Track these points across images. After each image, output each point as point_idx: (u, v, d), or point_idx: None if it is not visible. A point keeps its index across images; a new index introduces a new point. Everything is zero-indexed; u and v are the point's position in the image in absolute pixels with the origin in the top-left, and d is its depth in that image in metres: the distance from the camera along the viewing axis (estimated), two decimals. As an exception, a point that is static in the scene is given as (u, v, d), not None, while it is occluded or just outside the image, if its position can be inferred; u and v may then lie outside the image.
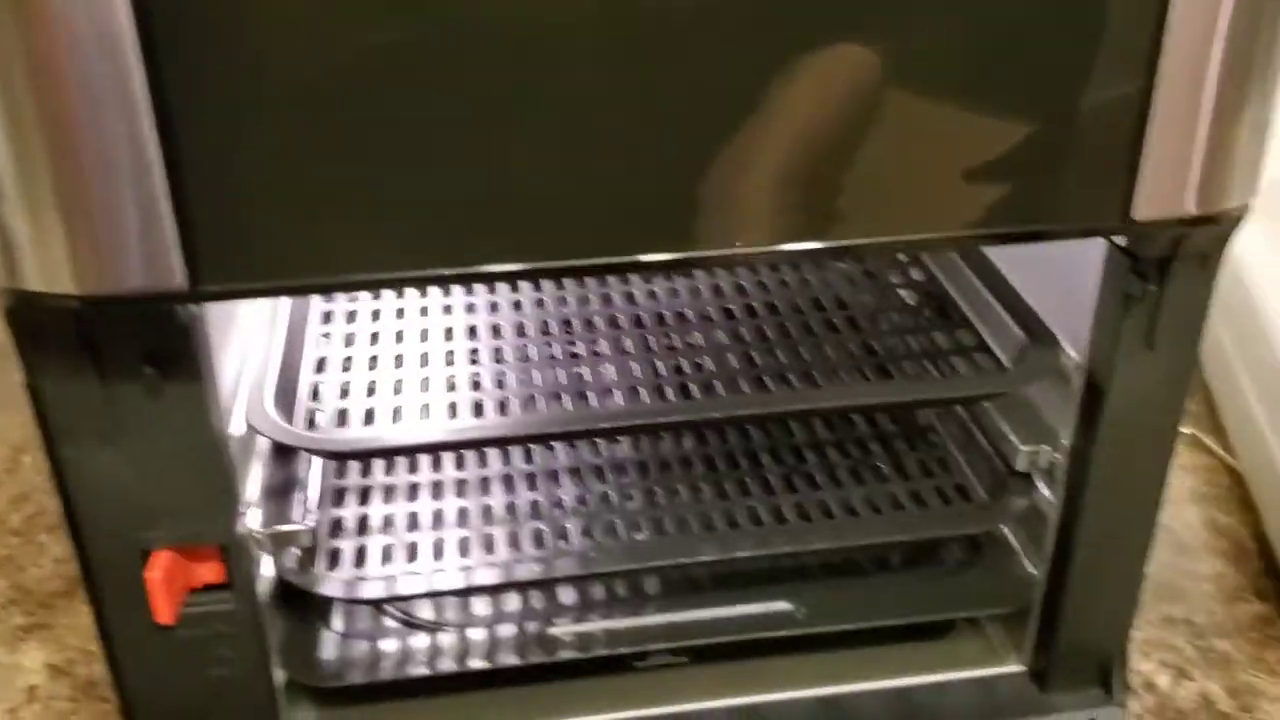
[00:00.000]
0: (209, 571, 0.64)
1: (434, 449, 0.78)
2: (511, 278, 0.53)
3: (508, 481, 0.80)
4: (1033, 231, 0.56)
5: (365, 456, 0.78)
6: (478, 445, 0.77)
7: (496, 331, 0.81)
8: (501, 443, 0.78)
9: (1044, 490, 0.74)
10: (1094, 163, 0.54)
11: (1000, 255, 0.79)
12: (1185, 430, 1.13)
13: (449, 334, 0.81)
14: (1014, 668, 0.78)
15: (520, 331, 0.81)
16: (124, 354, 0.56)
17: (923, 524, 0.76)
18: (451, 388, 0.75)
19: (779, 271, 0.87)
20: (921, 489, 0.79)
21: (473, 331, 0.81)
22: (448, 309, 0.84)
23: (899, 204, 0.54)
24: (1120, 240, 0.63)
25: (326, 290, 0.53)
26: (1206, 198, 0.56)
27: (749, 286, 0.86)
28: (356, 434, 0.70)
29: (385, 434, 0.71)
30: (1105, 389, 0.66)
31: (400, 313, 0.83)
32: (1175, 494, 1.06)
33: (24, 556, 1.00)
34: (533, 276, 0.55)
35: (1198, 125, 0.54)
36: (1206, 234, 0.59)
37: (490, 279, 0.53)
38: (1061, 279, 0.70)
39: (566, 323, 0.82)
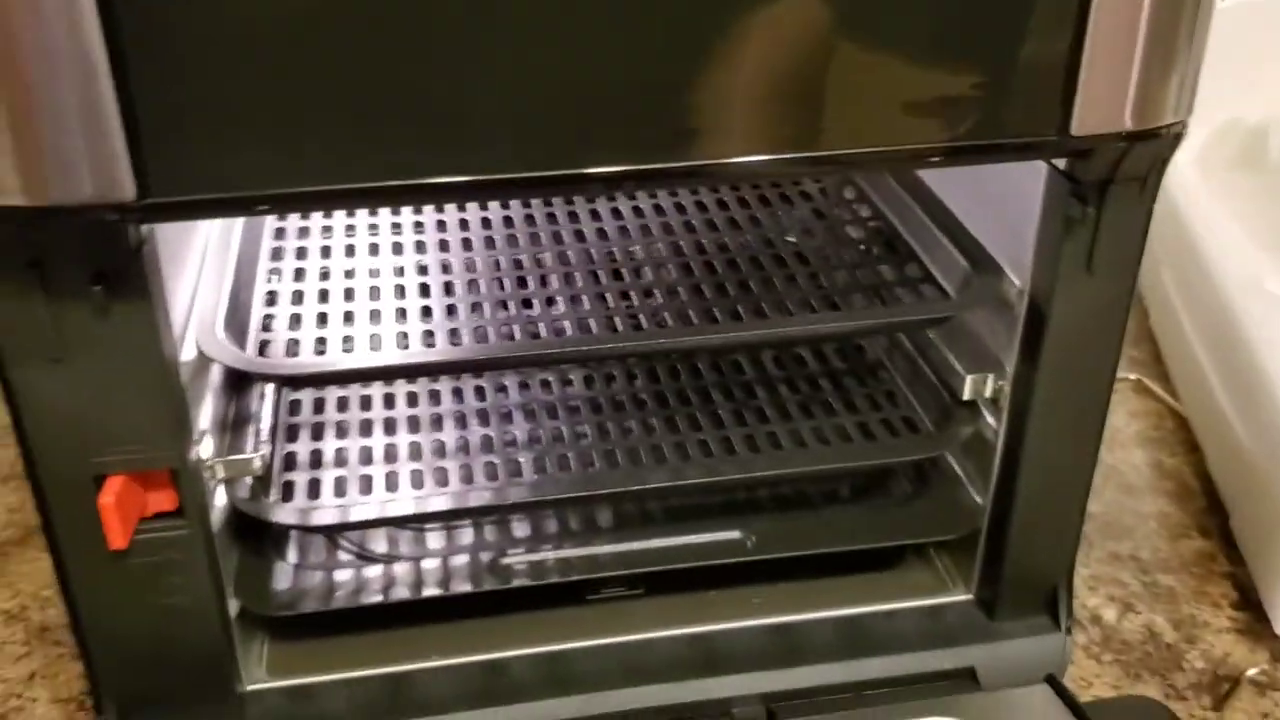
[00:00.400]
0: (162, 499, 0.64)
1: (383, 375, 0.78)
2: (457, 193, 0.54)
3: (460, 418, 0.81)
4: (973, 146, 0.57)
5: (315, 382, 0.78)
6: (426, 372, 0.78)
7: (446, 267, 0.81)
8: (450, 369, 0.79)
9: (989, 419, 0.75)
10: (1032, 76, 0.55)
11: (946, 190, 0.80)
12: (1132, 376, 1.15)
13: (400, 270, 0.81)
14: (961, 596, 0.80)
15: (470, 266, 0.81)
16: (72, 273, 0.56)
17: (869, 452, 0.77)
18: (402, 318, 0.75)
19: (728, 210, 0.88)
20: (869, 421, 0.80)
21: (423, 267, 0.81)
22: (397, 246, 0.84)
23: (841, 119, 0.55)
24: (1060, 164, 0.64)
25: (275, 204, 0.53)
26: (1144, 113, 0.57)
27: (699, 224, 0.86)
28: (306, 360, 0.71)
29: (334, 360, 0.71)
30: (1046, 313, 0.67)
31: (350, 249, 0.83)
32: (1122, 438, 1.08)
33: (-24, 506, 0.99)
34: (479, 192, 0.55)
35: (1136, 39, 0.55)
36: (1144, 152, 0.60)
37: (436, 194, 0.53)
38: (1005, 210, 0.72)
39: (517, 260, 0.82)
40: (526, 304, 0.77)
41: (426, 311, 0.76)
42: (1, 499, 1.00)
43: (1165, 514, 1.00)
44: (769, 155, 0.54)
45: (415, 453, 0.77)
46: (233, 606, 0.70)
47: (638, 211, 0.88)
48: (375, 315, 0.76)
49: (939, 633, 0.77)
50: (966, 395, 0.74)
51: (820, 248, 0.83)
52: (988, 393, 0.73)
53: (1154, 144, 0.59)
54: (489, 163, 0.53)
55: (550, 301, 0.78)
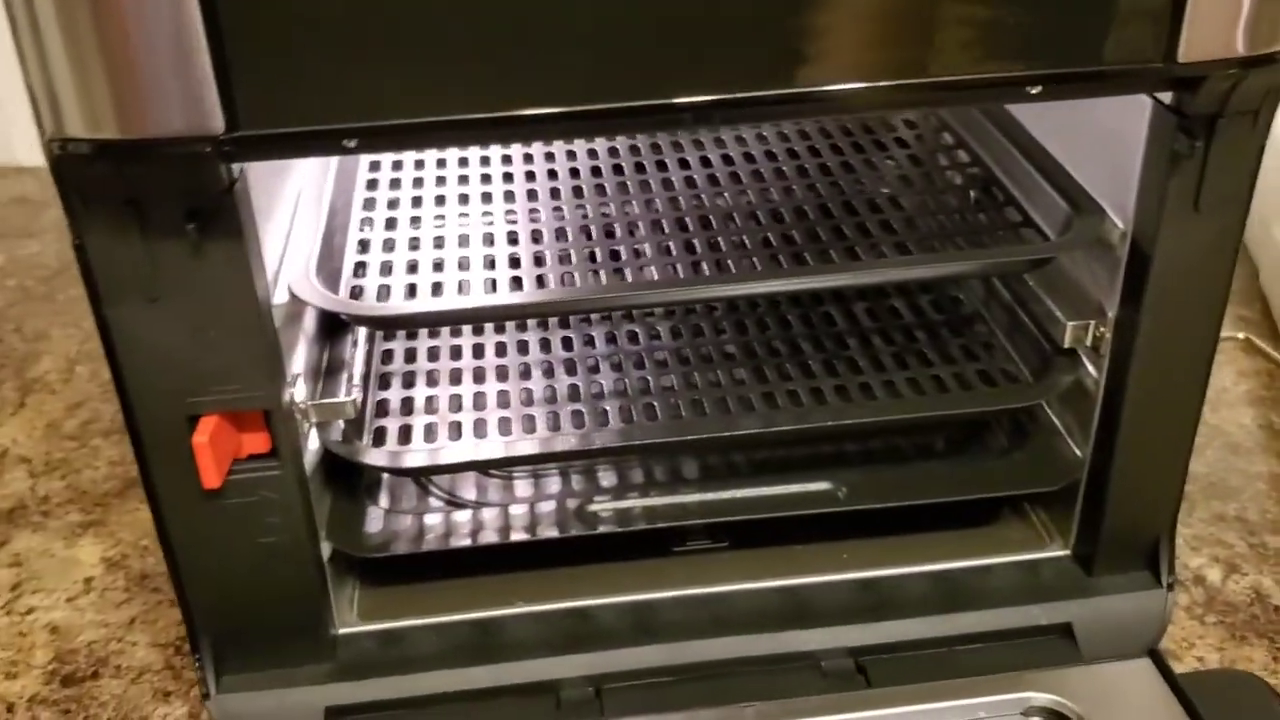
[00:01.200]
0: (255, 441, 0.65)
1: (471, 319, 0.78)
2: (545, 126, 0.53)
3: (548, 368, 0.80)
4: (1074, 75, 0.55)
5: (404, 325, 0.79)
6: (514, 316, 0.78)
7: (535, 216, 0.81)
8: (537, 313, 0.79)
9: (1090, 367, 0.73)
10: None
11: (1045, 132, 0.78)
12: (1240, 335, 1.11)
13: (489, 218, 0.81)
14: (1058, 552, 0.78)
15: (559, 215, 0.81)
16: (167, 211, 0.56)
17: (966, 401, 0.75)
18: (491, 266, 0.75)
19: (820, 157, 0.86)
20: (965, 372, 0.78)
21: (512, 217, 0.81)
22: (487, 196, 0.84)
23: (939, 46, 0.53)
24: (1165, 97, 0.61)
25: (364, 139, 0.53)
26: (1257, 36, 0.54)
27: (790, 172, 0.85)
28: (396, 304, 0.71)
29: (424, 305, 0.71)
30: (1150, 254, 0.65)
31: (440, 199, 0.83)
32: (1230, 397, 1.05)
33: (79, 459, 1.02)
34: (567, 124, 0.54)
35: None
36: (1258, 82, 0.58)
37: (524, 126, 0.53)
38: (1107, 150, 0.69)
39: (605, 210, 0.82)
40: (614, 254, 0.77)
41: (515, 260, 0.76)
42: (103, 452, 1.02)
43: (1275, 475, 0.96)
44: (864, 83, 0.53)
45: (504, 401, 0.77)
46: (325, 550, 0.70)
47: (727, 160, 0.86)
48: (464, 263, 0.76)
49: (1035, 588, 0.76)
50: (1067, 343, 0.72)
51: (916, 194, 0.81)
52: (1089, 340, 0.71)
53: (1269, 72, 0.57)
54: (578, 93, 0.52)
55: (638, 252, 0.77)
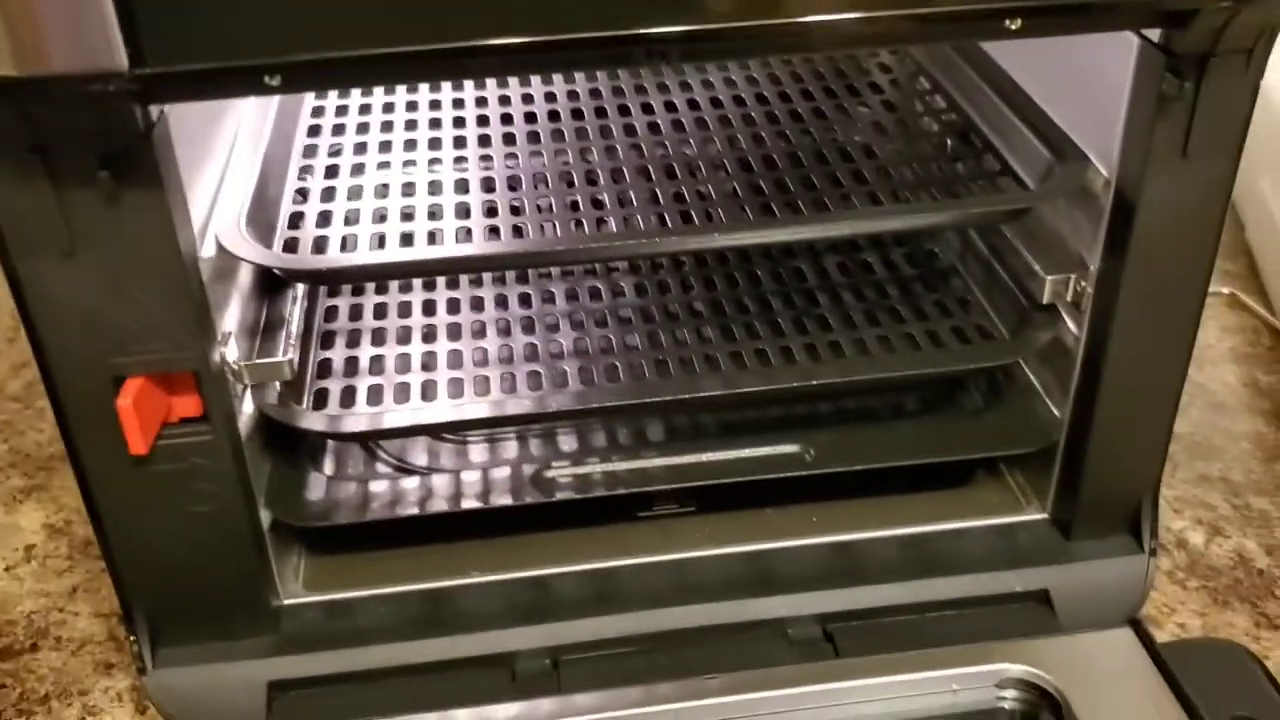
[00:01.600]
0: (186, 404, 0.61)
1: (408, 272, 0.75)
2: (490, 60, 0.49)
3: (504, 327, 0.77)
4: (1060, 7, 0.51)
5: (337, 280, 0.75)
6: (458, 270, 0.75)
7: (488, 164, 0.77)
8: (484, 266, 0.75)
9: (1070, 324, 0.69)
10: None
11: (1026, 76, 0.74)
12: (1225, 290, 1.08)
13: (436, 165, 0.77)
14: (1036, 515, 0.75)
15: (513, 164, 0.77)
16: (78, 158, 0.52)
17: (939, 359, 0.72)
18: (437, 217, 0.71)
19: (791, 103, 0.82)
20: (939, 329, 0.75)
21: (461, 161, 0.77)
22: (435, 142, 0.79)
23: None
24: (1153, 35, 0.58)
25: (287, 76, 0.49)
26: (1252, -33, 0.51)
27: (759, 119, 0.81)
28: (330, 257, 0.67)
29: (359, 257, 0.67)
30: (1135, 203, 0.61)
31: (386, 145, 0.79)
32: (1215, 354, 1.02)
33: (23, 422, 0.98)
34: (517, 58, 0.50)
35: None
36: (1251, 18, 0.54)
37: (466, 60, 0.49)
38: (1091, 93, 0.65)
39: (563, 158, 0.77)
40: (573, 204, 0.72)
41: (465, 210, 0.72)
42: (48, 415, 0.98)
43: (1260, 434, 0.93)
44: (835, 15, 0.48)
45: (455, 361, 0.74)
46: (265, 518, 0.67)
47: (693, 105, 0.82)
48: (409, 213, 0.72)
49: (1011, 553, 0.73)
50: (1046, 298, 0.68)
51: (890, 143, 0.78)
52: (1069, 295, 0.68)
53: (1264, 7, 0.53)
54: (525, 23, 0.48)
55: (598, 201, 0.73)
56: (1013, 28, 0.53)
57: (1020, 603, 0.71)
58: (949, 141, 0.77)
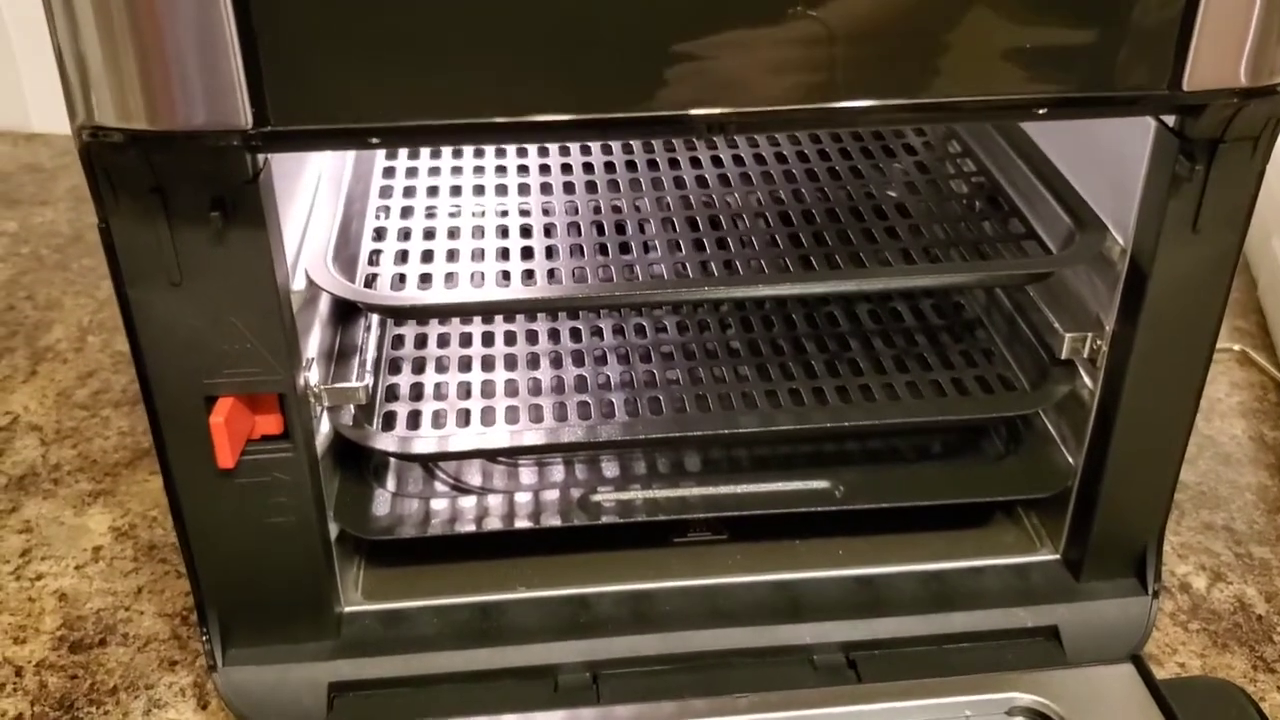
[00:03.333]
0: (269, 422, 0.66)
1: (482, 310, 0.80)
2: (564, 131, 0.55)
3: (556, 359, 0.82)
4: (1082, 99, 0.56)
5: (417, 315, 0.80)
6: (524, 309, 0.80)
7: (548, 210, 0.83)
8: (547, 307, 0.80)
9: (1086, 379, 0.74)
10: (1145, 28, 0.54)
11: (1051, 145, 0.79)
12: (1236, 347, 1.13)
13: (503, 211, 0.83)
14: (1048, 556, 0.80)
15: (572, 210, 0.82)
16: (192, 199, 0.58)
17: (964, 407, 0.77)
18: (504, 258, 0.77)
19: (829, 160, 0.88)
20: (965, 378, 0.80)
21: (526, 210, 0.83)
22: (501, 188, 0.85)
23: (949, 66, 0.55)
24: (1169, 120, 0.63)
25: (386, 137, 0.55)
26: (1259, 68, 0.56)
27: (799, 175, 0.86)
28: (410, 294, 0.73)
29: (437, 295, 0.73)
30: (1148, 272, 0.66)
31: (456, 189, 0.85)
32: (1223, 408, 1.06)
33: (90, 429, 1.04)
34: (586, 130, 0.56)
35: (1254, -9, 0.54)
36: (1258, 111, 0.59)
37: (541, 131, 0.54)
38: (1111, 167, 0.71)
39: (616, 206, 0.83)
40: (625, 249, 0.78)
41: (527, 252, 0.78)
42: (114, 422, 1.04)
43: (1264, 487, 0.98)
44: (874, 101, 0.54)
45: (511, 390, 0.79)
46: (333, 530, 0.72)
47: (738, 160, 0.88)
48: (478, 254, 0.78)
49: (1024, 591, 0.77)
50: (1064, 354, 0.73)
51: (922, 202, 0.83)
52: (1085, 352, 0.73)
53: (1269, 102, 0.58)
54: (593, 102, 0.54)
55: (648, 247, 0.79)
56: (1040, 113, 0.58)
57: (1031, 637, 0.76)
58: (978, 203, 0.83)
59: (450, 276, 0.75)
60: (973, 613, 0.76)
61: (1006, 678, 0.70)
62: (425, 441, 0.73)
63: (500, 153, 0.89)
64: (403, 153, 0.88)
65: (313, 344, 0.69)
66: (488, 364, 0.81)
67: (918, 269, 0.75)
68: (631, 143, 0.90)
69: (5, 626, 0.85)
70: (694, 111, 0.54)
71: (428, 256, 0.77)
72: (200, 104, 0.52)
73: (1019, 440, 0.82)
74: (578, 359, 0.82)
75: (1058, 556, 0.79)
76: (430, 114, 0.53)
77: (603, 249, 0.78)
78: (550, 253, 0.78)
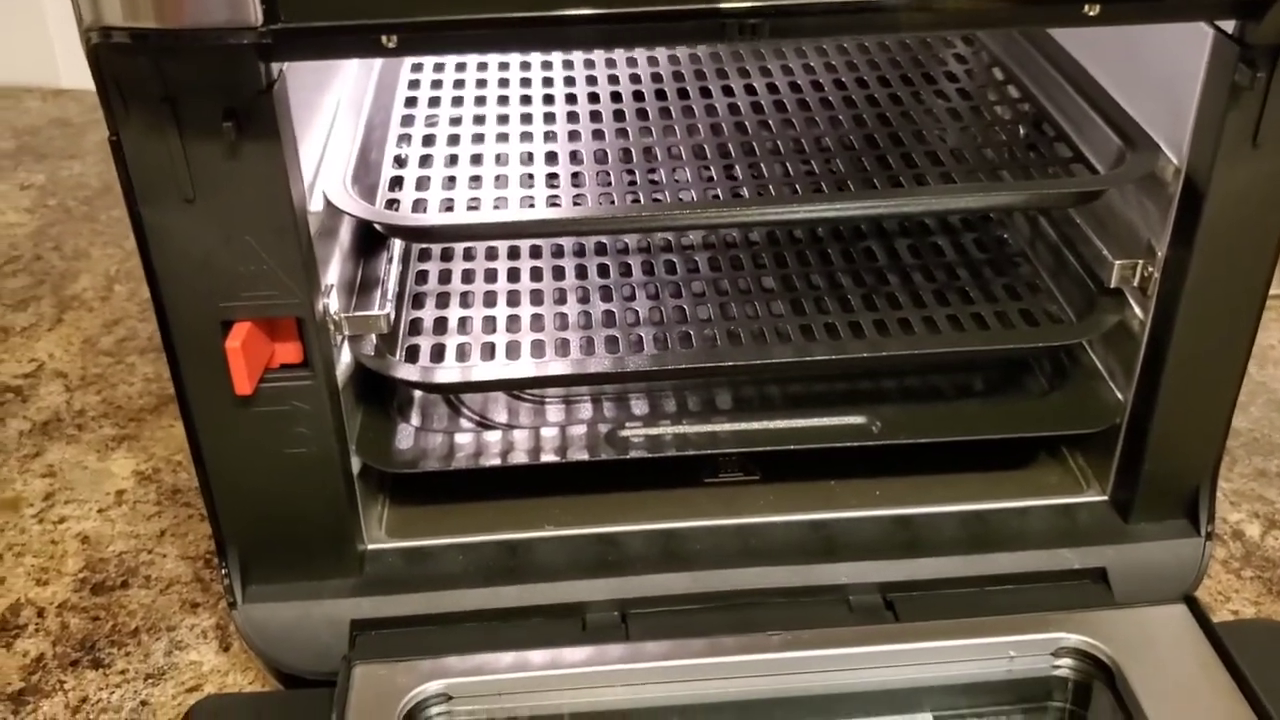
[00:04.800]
0: (288, 351, 0.65)
1: (504, 233, 0.77)
2: (592, 30, 0.52)
3: (583, 294, 0.80)
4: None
5: (438, 238, 0.78)
6: (547, 233, 0.78)
7: (575, 136, 0.80)
8: (573, 230, 0.78)
9: (1136, 309, 0.71)
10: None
11: (1099, 66, 0.76)
12: (1289, 293, 1.09)
13: (527, 136, 0.80)
14: (1095, 496, 0.77)
15: (599, 136, 0.80)
16: (204, 109, 0.56)
17: (1008, 337, 0.74)
18: (529, 183, 0.75)
19: (868, 89, 0.85)
20: (1008, 311, 0.77)
21: (550, 133, 0.80)
22: (527, 117, 0.83)
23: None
24: (1227, 26, 0.59)
25: (405, 36, 0.52)
26: (1328, -41, 0.52)
27: (837, 102, 0.83)
28: (430, 216, 0.70)
29: (457, 217, 0.71)
30: (1204, 192, 0.63)
31: (480, 119, 0.82)
32: (1277, 354, 1.03)
33: (114, 375, 1.02)
34: (614, 29, 0.53)
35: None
36: (1324, 10, 0.56)
37: (570, 28, 0.52)
38: (1164, 83, 0.67)
39: (645, 130, 0.80)
40: (653, 178, 0.75)
41: (553, 178, 0.75)
42: (139, 369, 1.03)
43: (1320, 434, 0.94)
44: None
45: (538, 325, 0.77)
46: (355, 465, 0.70)
47: (773, 89, 0.85)
48: (501, 180, 0.75)
49: (1070, 532, 0.75)
50: (1113, 282, 0.70)
51: (965, 129, 0.80)
52: (1136, 280, 0.70)
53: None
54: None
55: (678, 176, 0.76)
56: (1091, 14, 0.55)
57: (1078, 580, 0.73)
58: (1023, 129, 0.79)
59: (473, 202, 0.73)
60: (1016, 553, 0.73)
61: (1053, 617, 0.67)
62: (448, 371, 0.71)
63: (525, 83, 0.87)
64: (425, 79, 0.86)
65: (333, 272, 0.67)
66: (513, 299, 0.79)
67: (959, 189, 0.72)
68: (661, 72, 0.87)
69: (28, 568, 0.84)
70: (725, 5, 0.51)
71: (450, 183, 0.75)
72: (209, 3, 0.50)
73: (1064, 376, 0.78)
74: (605, 295, 0.80)
75: (1105, 497, 0.76)
76: (447, 8, 0.51)
77: (631, 177, 0.76)
78: (576, 179, 0.75)
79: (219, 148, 0.57)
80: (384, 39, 0.53)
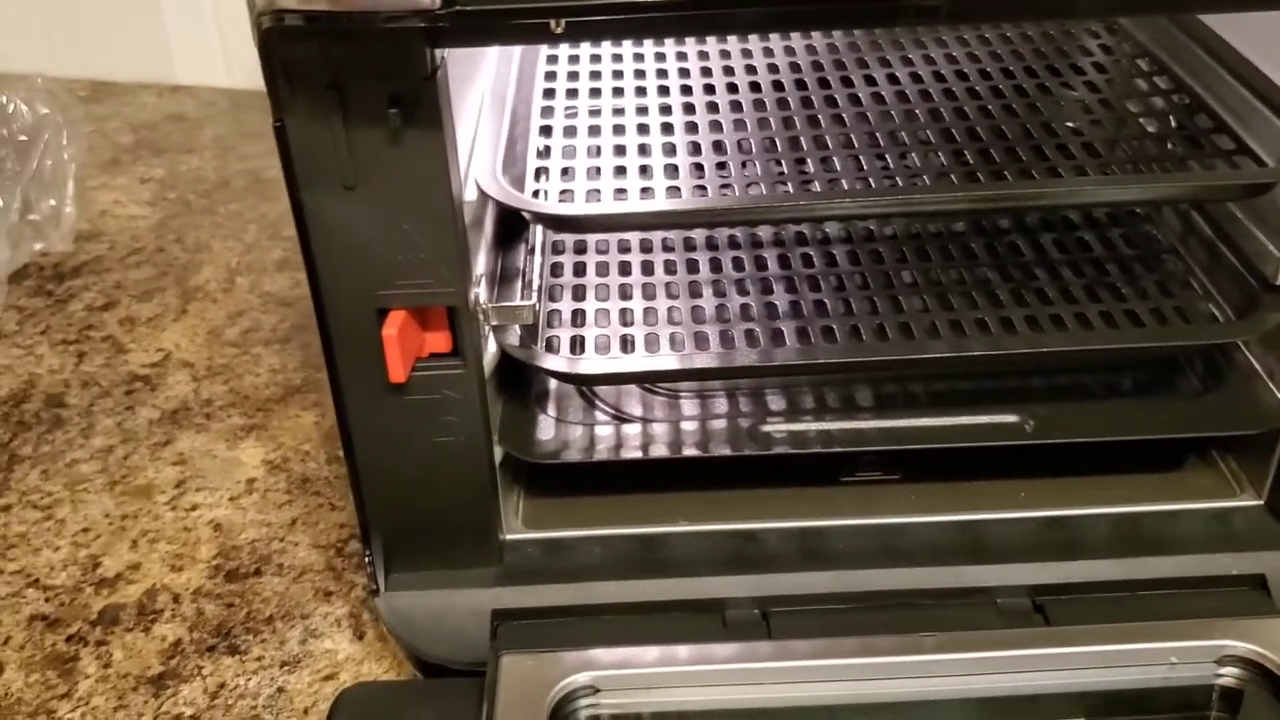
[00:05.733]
0: (439, 340, 0.65)
1: (652, 223, 0.77)
2: (760, 15, 0.51)
3: (719, 288, 0.79)
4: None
5: (587, 227, 0.78)
6: (695, 222, 0.77)
7: (716, 124, 0.79)
8: (722, 219, 0.77)
9: (1302, 306, 0.69)
10: None
11: (1262, 53, 0.73)
12: None
13: (669, 127, 0.79)
14: (1251, 501, 0.74)
15: (740, 124, 0.79)
16: (369, 95, 0.56)
17: (1169, 334, 0.72)
18: (674, 173, 0.74)
19: (1014, 79, 0.83)
20: (1162, 307, 0.74)
21: (692, 123, 0.79)
22: (666, 109, 0.82)
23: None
24: None
25: (572, 21, 0.52)
26: None
27: (984, 92, 0.82)
28: (580, 205, 0.70)
29: (605, 206, 0.70)
30: (1385, 182, 0.61)
31: (620, 110, 0.82)
32: None
33: (240, 366, 1.04)
34: (783, 16, 0.52)
35: None
36: None
37: (733, 18, 0.51)
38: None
39: (788, 121, 0.79)
40: (800, 164, 0.74)
41: (698, 168, 0.75)
42: (265, 360, 1.04)
43: None
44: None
45: (675, 318, 0.76)
46: (498, 454, 0.70)
47: (915, 78, 0.83)
48: (646, 170, 0.74)
49: (1225, 537, 0.72)
50: (1278, 279, 0.68)
51: (1117, 121, 0.78)
52: (1302, 275, 0.67)
53: None
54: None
55: (824, 164, 0.75)
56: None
57: (1235, 586, 0.70)
58: (1174, 120, 0.77)
59: (619, 192, 0.72)
60: (1170, 558, 0.71)
61: (1216, 624, 0.65)
62: (592, 363, 0.71)
63: (662, 73, 0.86)
64: (561, 71, 0.86)
65: (481, 262, 0.67)
66: (648, 292, 0.78)
67: (1122, 180, 0.70)
68: (799, 60, 0.86)
69: (163, 555, 0.85)
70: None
71: (595, 173, 0.74)
72: (386, -15, 0.50)
73: (1219, 377, 0.76)
74: (741, 288, 0.78)
75: (1261, 502, 0.74)
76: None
77: (777, 167, 0.75)
78: (721, 167, 0.74)
79: (383, 134, 0.57)
80: (553, 24, 0.52)
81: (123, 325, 1.09)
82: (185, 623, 0.79)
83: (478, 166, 0.67)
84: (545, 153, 0.77)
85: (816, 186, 0.72)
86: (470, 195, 0.65)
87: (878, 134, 0.78)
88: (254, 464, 0.93)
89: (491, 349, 0.69)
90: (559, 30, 0.53)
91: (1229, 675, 0.64)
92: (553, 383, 0.77)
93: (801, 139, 0.77)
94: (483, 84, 0.75)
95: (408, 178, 0.58)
